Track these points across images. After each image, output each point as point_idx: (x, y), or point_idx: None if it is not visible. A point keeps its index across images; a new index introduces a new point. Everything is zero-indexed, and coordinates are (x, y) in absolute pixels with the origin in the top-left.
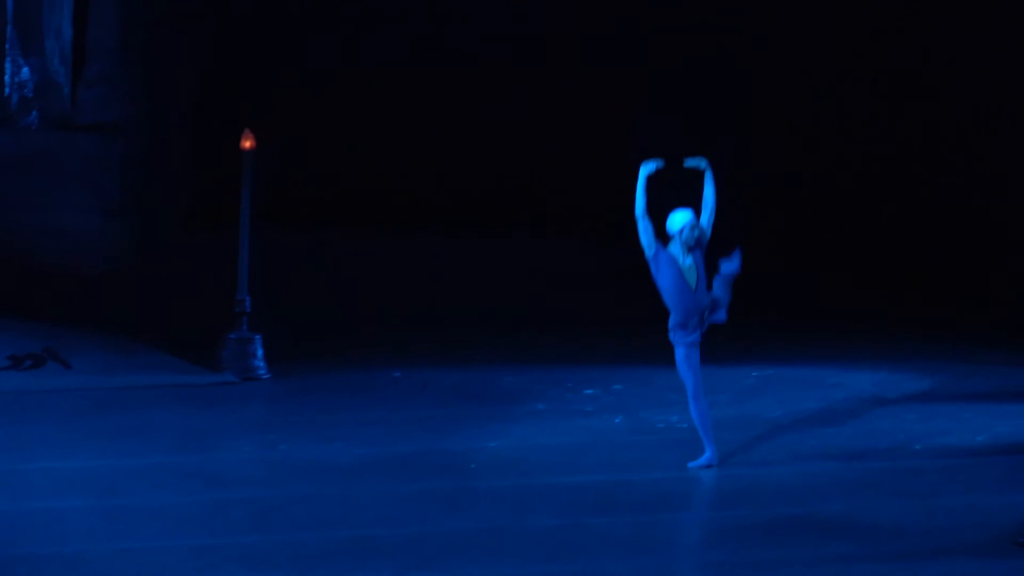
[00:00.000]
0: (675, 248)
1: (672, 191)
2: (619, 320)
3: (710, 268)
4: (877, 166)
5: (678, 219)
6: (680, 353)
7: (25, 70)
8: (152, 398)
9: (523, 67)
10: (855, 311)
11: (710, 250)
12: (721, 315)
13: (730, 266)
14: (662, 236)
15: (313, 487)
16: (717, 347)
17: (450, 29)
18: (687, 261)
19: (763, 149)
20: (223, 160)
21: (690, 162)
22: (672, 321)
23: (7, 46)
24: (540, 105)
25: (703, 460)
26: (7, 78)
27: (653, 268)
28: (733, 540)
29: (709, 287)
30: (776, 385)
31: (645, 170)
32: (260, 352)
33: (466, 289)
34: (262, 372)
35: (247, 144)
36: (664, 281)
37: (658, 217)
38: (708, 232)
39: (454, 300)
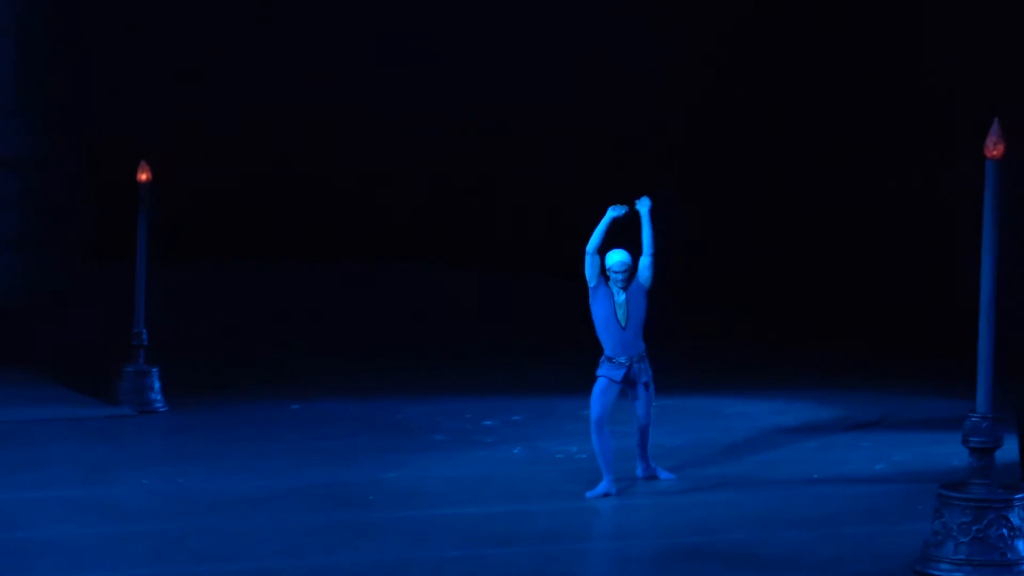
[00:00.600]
0: (612, 285)
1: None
2: (518, 352)
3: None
4: (766, 201)
5: (613, 257)
6: (599, 384)
7: None
8: (49, 431)
9: (409, 101)
10: (753, 345)
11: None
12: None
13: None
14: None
15: (212, 520)
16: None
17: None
18: (620, 297)
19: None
20: (120, 193)
21: (638, 204)
22: (603, 355)
23: None
24: (431, 139)
25: (600, 489)
26: None
27: (591, 300)
28: (633, 571)
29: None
30: (676, 415)
31: (612, 213)
32: (157, 385)
33: (364, 321)
34: (159, 405)
35: (143, 177)
36: (597, 313)
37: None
38: (648, 274)
39: (352, 332)
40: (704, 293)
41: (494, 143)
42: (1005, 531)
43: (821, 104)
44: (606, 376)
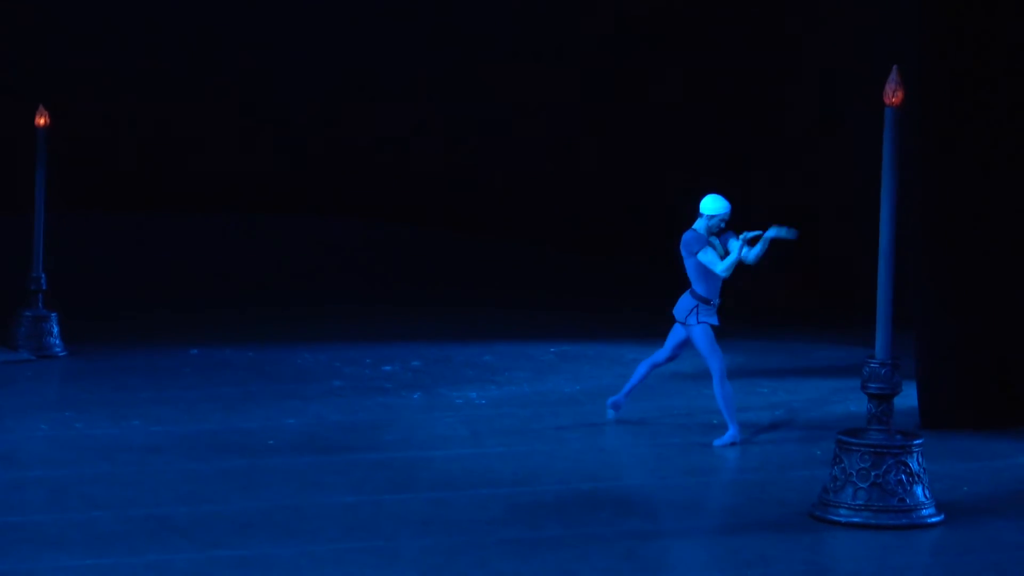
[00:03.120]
0: (701, 228)
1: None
2: (418, 299)
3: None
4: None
5: (717, 205)
6: (708, 332)
7: None
8: None
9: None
10: (649, 289)
11: None
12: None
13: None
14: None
15: (108, 466)
16: (513, 324)
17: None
18: (715, 242)
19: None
20: (16, 138)
21: (776, 231)
22: (694, 300)
23: None
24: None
25: (728, 438)
26: None
27: (697, 252)
28: (528, 517)
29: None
30: (574, 362)
31: (770, 233)
32: (56, 330)
33: (263, 269)
34: (58, 350)
35: (41, 121)
36: (704, 261)
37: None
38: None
39: (249, 279)
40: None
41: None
42: (904, 476)
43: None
44: (708, 322)
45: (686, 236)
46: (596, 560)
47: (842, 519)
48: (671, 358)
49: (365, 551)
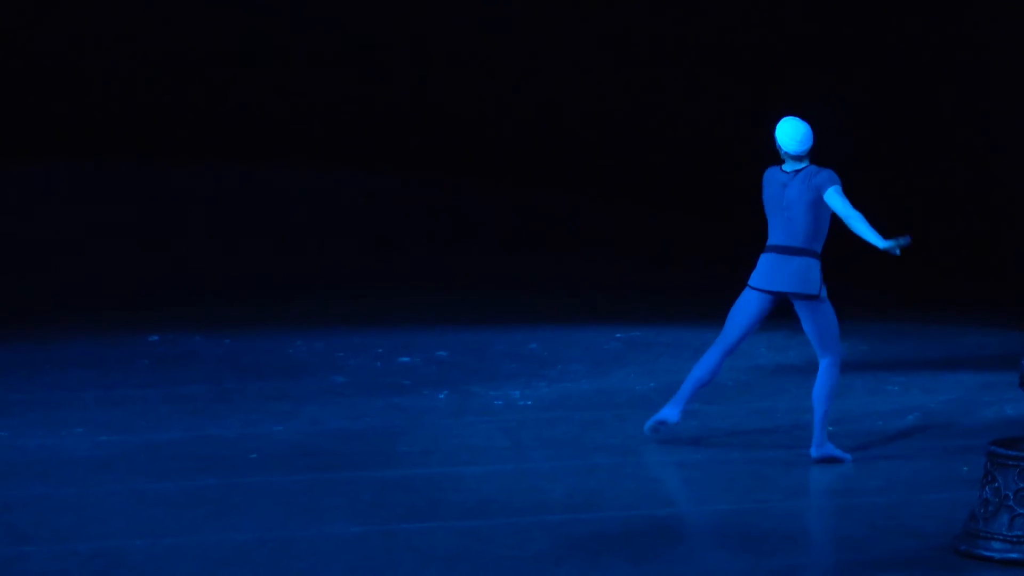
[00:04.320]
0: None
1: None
2: (445, 271)
3: None
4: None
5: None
6: (830, 307)
7: None
8: None
9: None
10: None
11: None
12: None
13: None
14: None
15: (43, 487)
16: (568, 303)
17: None
18: None
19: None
20: None
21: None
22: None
23: None
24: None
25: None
26: None
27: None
28: (585, 553)
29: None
30: (651, 351)
31: (883, 244)
32: None
33: (238, 231)
34: None
35: None
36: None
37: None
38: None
39: (223, 244)
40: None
41: None
42: None
43: None
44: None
45: (823, 173)
46: None
47: (996, 554)
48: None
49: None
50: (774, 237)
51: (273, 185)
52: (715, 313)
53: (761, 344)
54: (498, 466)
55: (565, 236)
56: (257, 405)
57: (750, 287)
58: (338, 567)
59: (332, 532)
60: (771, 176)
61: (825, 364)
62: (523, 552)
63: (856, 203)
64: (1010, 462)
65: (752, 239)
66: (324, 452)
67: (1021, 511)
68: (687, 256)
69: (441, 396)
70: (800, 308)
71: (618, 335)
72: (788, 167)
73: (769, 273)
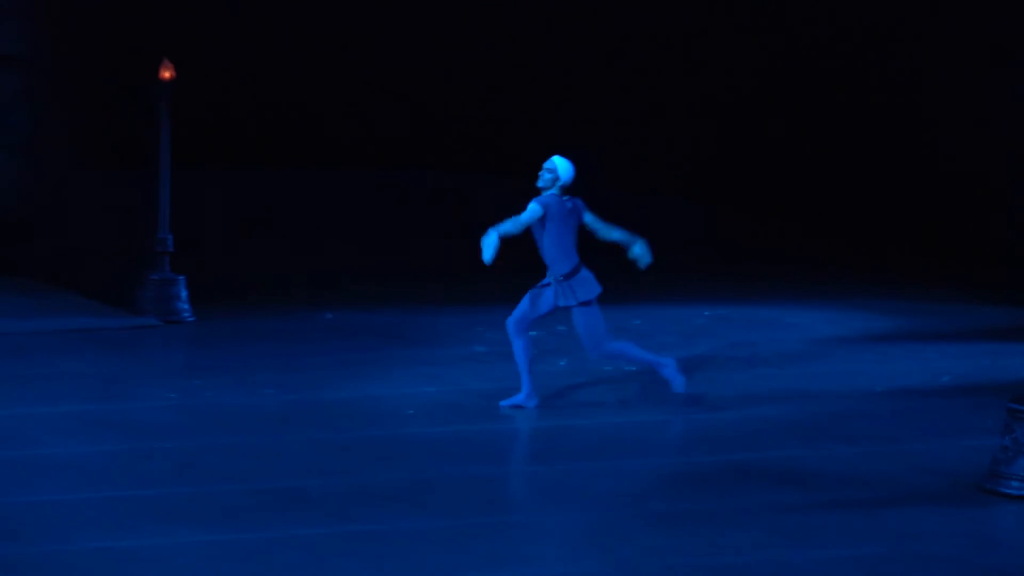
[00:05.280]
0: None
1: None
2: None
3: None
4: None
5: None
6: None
7: None
8: (68, 343)
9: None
10: (803, 257)
11: None
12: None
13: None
14: None
15: (237, 436)
16: (663, 285)
17: None
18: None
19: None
20: (139, 92)
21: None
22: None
23: None
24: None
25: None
26: None
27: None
28: (677, 488)
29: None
30: (726, 324)
31: (634, 250)
32: (184, 294)
33: (403, 227)
34: (186, 315)
35: (166, 75)
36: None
37: None
38: (591, 218)
39: (391, 239)
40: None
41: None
42: None
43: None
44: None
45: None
46: (747, 533)
47: (1014, 491)
48: None
49: (506, 526)
50: (575, 254)
51: (418, 188)
52: (777, 293)
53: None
54: (607, 419)
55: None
56: (412, 370)
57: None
58: (476, 502)
59: (471, 473)
60: (560, 204)
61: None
62: (626, 489)
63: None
64: None
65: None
66: (466, 408)
67: None
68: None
69: (562, 363)
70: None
71: (705, 312)
72: (565, 197)
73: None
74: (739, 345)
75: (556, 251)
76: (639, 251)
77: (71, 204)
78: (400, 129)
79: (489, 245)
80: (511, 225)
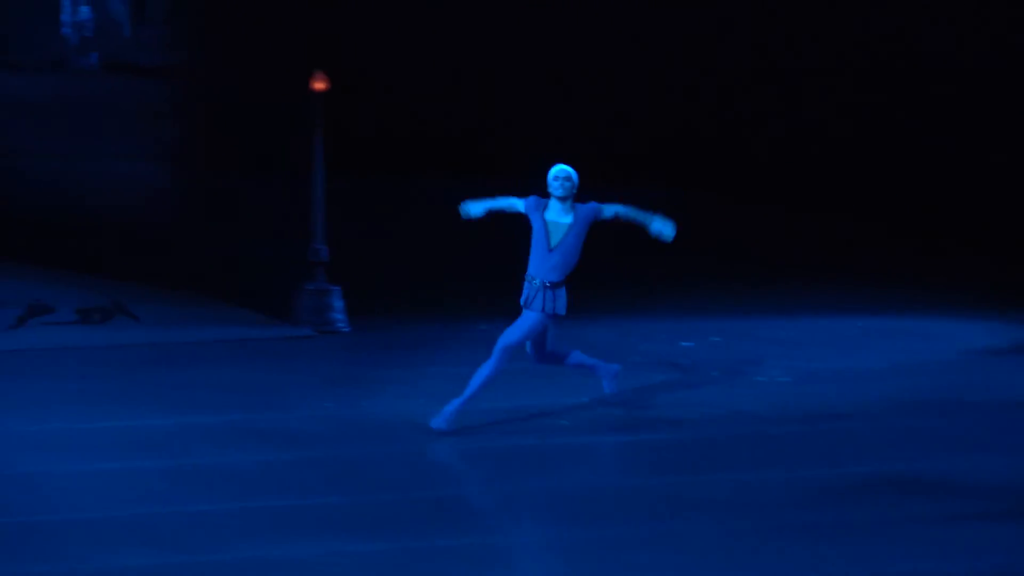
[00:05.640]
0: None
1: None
2: (717, 273)
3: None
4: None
5: (552, 170)
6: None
7: (84, 9)
8: (224, 352)
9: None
10: (961, 267)
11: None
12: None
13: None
14: None
15: (392, 445)
16: (817, 297)
17: None
18: (565, 219)
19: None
20: (293, 103)
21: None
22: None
23: None
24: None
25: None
26: (66, 18)
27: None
28: (830, 500)
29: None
30: (879, 336)
31: (653, 227)
32: (339, 304)
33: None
34: (341, 325)
35: (319, 86)
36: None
37: None
38: (608, 211)
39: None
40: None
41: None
42: None
43: None
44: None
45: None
46: (902, 545)
47: None
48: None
49: (661, 534)
50: None
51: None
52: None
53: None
54: (760, 429)
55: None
56: (567, 381)
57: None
58: (631, 511)
59: (626, 482)
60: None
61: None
62: (780, 499)
63: None
64: None
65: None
66: (621, 419)
67: None
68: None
69: (715, 373)
70: None
71: (858, 324)
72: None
73: None
74: (890, 355)
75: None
76: (658, 227)
77: (222, 213)
78: (554, 142)
79: (477, 210)
80: (504, 203)
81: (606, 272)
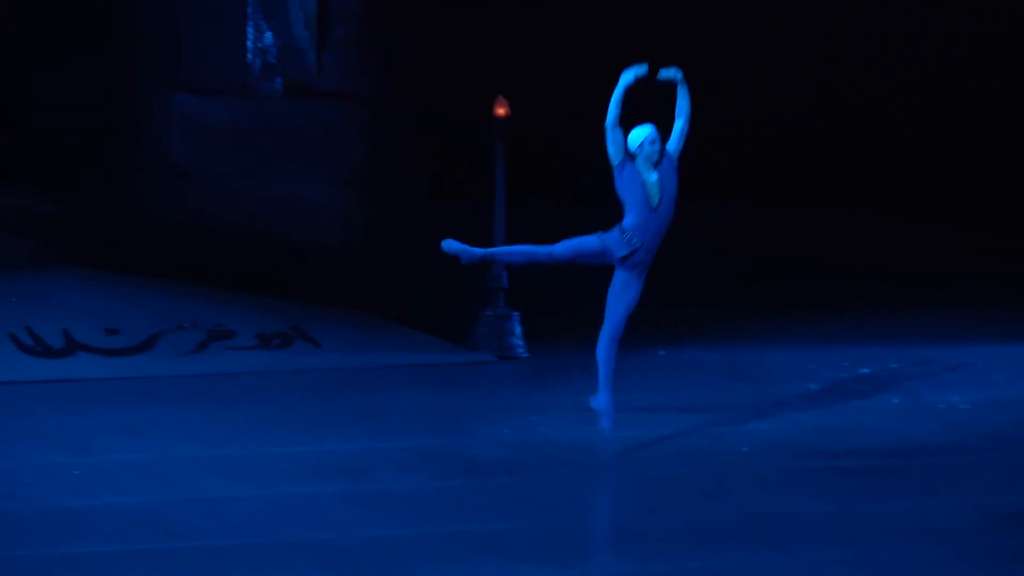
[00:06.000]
0: (640, 164)
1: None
2: (895, 297)
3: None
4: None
5: (636, 134)
6: (619, 276)
7: (268, 35)
8: (403, 377)
9: None
10: None
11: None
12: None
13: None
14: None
15: (574, 472)
16: (997, 323)
17: None
18: (652, 177)
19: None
20: (471, 128)
21: (664, 73)
22: (621, 235)
23: (248, 10)
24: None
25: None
26: (249, 43)
27: (617, 179)
28: (1015, 527)
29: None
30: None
31: (626, 78)
32: (518, 330)
33: (738, 263)
34: (520, 351)
35: (501, 111)
36: (627, 195)
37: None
38: (679, 144)
39: (717, 275)
40: None
41: None
42: None
43: None
44: (625, 264)
45: None
46: None
47: None
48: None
49: (841, 562)
50: None
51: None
52: None
53: None
54: (941, 457)
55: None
56: (745, 407)
57: None
58: (811, 538)
59: (806, 509)
60: None
61: None
62: (963, 527)
63: None
64: None
65: None
66: (800, 445)
67: None
68: None
69: (895, 401)
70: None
71: None
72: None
73: None
74: None
75: None
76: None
77: (404, 237)
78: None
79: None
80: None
81: (785, 299)
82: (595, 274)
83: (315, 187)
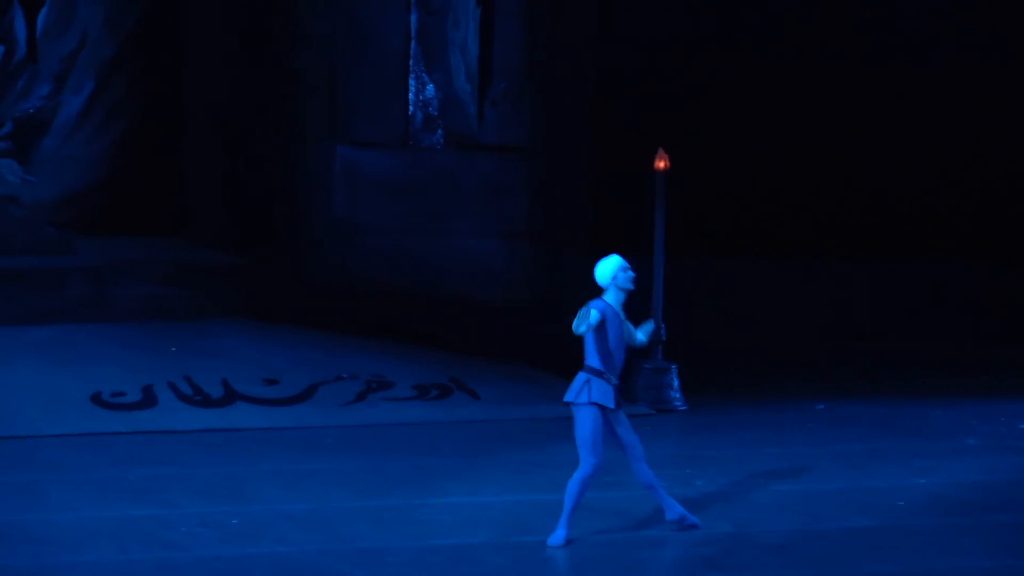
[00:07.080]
0: (611, 296)
1: None
2: None
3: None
4: None
5: (605, 269)
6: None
7: (430, 87)
8: (561, 430)
9: None
10: None
11: None
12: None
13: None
14: None
15: (729, 525)
16: None
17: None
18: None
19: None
20: (631, 182)
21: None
22: (607, 384)
23: (411, 63)
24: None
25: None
26: (411, 96)
27: (599, 332)
28: None
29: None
30: None
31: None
32: (676, 383)
33: (889, 318)
34: (678, 403)
35: (661, 165)
36: (610, 342)
37: None
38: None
39: (878, 330)
40: None
41: None
42: None
43: None
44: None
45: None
46: None
47: None
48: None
49: None
50: None
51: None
52: None
53: None
54: None
55: None
56: (904, 461)
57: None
58: None
59: (965, 565)
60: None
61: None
62: None
63: None
64: None
65: None
66: (959, 501)
67: None
68: None
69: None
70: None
71: None
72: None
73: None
74: None
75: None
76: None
77: (565, 290)
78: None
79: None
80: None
81: (939, 347)
82: (753, 330)
83: (476, 240)
